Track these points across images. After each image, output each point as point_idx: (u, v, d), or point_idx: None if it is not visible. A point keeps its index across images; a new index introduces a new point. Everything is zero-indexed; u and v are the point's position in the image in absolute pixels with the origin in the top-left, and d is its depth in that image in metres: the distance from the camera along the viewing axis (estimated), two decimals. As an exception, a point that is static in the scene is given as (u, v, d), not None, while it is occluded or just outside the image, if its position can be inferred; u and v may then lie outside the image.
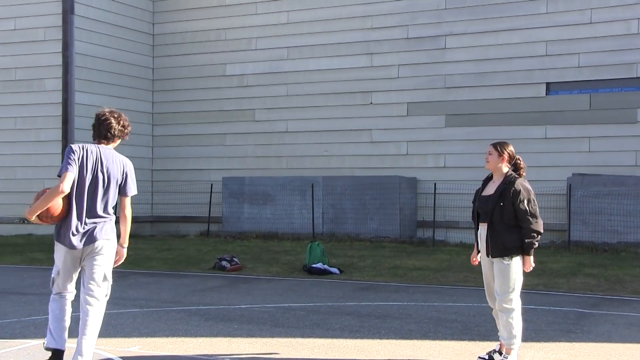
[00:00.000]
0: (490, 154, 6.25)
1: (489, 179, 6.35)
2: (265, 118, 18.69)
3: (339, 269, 12.51)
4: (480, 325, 7.98)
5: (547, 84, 16.19)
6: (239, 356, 6.54)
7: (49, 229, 17.42)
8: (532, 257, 6.14)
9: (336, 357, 6.53)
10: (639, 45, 15.42)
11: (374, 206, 16.54)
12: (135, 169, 20.41)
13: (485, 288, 6.37)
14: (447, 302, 9.48)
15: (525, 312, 8.76)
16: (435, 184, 16.13)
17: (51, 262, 14.41)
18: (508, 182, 6.11)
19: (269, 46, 18.67)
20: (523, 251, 6.08)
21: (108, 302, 9.34)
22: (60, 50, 17.57)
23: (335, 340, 7.20)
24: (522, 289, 10.37)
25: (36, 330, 7.65)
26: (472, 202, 6.45)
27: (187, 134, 19.43)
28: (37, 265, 13.56)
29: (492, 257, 6.12)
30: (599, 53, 15.77)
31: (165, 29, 19.85)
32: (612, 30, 15.69)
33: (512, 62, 16.45)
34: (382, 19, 17.58)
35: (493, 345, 6.60)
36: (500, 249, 6.07)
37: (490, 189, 6.23)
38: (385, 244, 15.61)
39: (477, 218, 6.30)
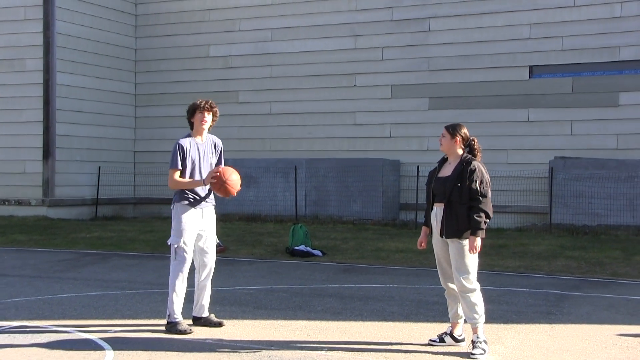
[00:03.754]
0: (444, 137, 6.29)
1: (444, 160, 6.39)
2: (249, 100, 18.63)
3: (321, 251, 12.52)
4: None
5: (531, 67, 16.23)
6: (221, 338, 6.55)
7: (31, 211, 17.35)
8: (478, 239, 6.07)
9: (318, 339, 6.57)
10: (622, 28, 15.50)
11: (357, 188, 16.57)
12: (117, 150, 20.33)
13: (438, 269, 6.40)
14: (429, 285, 9.49)
15: (506, 294, 8.90)
16: (418, 167, 16.15)
17: (32, 243, 14.36)
18: (465, 163, 6.16)
19: (253, 27, 18.58)
20: (470, 231, 6.08)
21: (90, 285, 9.39)
22: (42, 30, 17.40)
23: (317, 322, 7.24)
24: (503, 271, 10.51)
25: (17, 312, 7.64)
26: (426, 184, 6.46)
27: (170, 115, 19.32)
28: (18, 247, 13.47)
29: (447, 237, 6.13)
30: (582, 36, 15.80)
31: (148, 9, 19.68)
32: (595, 14, 15.72)
33: (496, 45, 16.48)
34: (367, 0, 17.52)
35: (470, 328, 6.68)
36: (454, 229, 6.09)
37: (446, 171, 6.27)
38: (368, 226, 15.64)
39: (432, 200, 6.33)
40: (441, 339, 6.36)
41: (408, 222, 16.03)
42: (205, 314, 7.00)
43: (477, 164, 6.18)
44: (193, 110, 6.94)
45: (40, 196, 17.45)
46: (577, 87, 15.87)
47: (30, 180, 17.56)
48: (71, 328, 6.88)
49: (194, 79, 19.14)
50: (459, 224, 6.09)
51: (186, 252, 6.78)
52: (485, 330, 6.44)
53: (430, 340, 6.41)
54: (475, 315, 6.11)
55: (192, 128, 7.03)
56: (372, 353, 6.10)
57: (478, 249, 6.11)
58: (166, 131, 19.30)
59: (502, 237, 13.84)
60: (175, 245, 6.78)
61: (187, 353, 6.02)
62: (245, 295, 8.71)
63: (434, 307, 8.00)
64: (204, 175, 6.88)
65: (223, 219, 16.84)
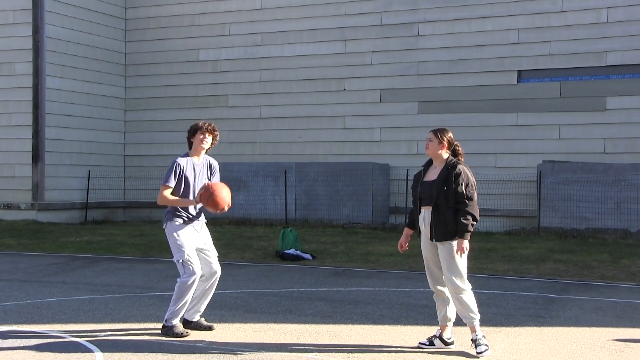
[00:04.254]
0: (431, 141, 6.36)
1: (429, 164, 6.47)
2: (239, 104, 18.68)
3: (311, 254, 12.58)
4: (451, 311, 8.10)
5: (519, 71, 16.37)
6: (211, 342, 6.58)
7: (20, 215, 17.31)
8: (465, 242, 6.19)
9: (309, 342, 6.61)
10: (609, 34, 15.68)
11: (347, 192, 16.63)
12: (106, 154, 20.32)
13: (426, 272, 6.47)
14: (419, 288, 9.56)
15: (495, 297, 8.94)
16: (407, 171, 16.22)
17: (22, 247, 14.30)
18: (450, 167, 6.26)
19: (243, 32, 18.64)
20: (457, 233, 6.19)
21: (80, 289, 9.37)
22: (31, 33, 17.38)
23: (307, 326, 7.28)
24: (492, 274, 10.57)
25: (6, 316, 7.65)
26: (412, 188, 6.55)
27: (160, 119, 19.36)
28: (7, 251, 13.46)
29: (436, 240, 6.23)
30: (569, 41, 15.98)
31: (138, 13, 19.71)
32: (582, 19, 15.89)
33: (484, 50, 16.60)
34: (356, 5, 17.63)
35: (462, 331, 6.70)
36: (443, 232, 6.19)
37: (432, 175, 6.37)
38: (358, 230, 15.71)
39: (419, 203, 6.40)
40: (430, 342, 6.41)
41: (398, 226, 16.09)
42: (197, 318, 7.04)
43: (462, 167, 6.28)
44: (194, 131, 6.94)
45: (29, 200, 17.43)
46: (565, 92, 16.00)
47: (20, 184, 17.54)
48: (61, 332, 6.90)
49: (184, 83, 19.18)
50: (447, 227, 6.19)
51: (193, 264, 6.79)
52: (475, 334, 6.52)
53: (419, 343, 6.46)
54: (472, 314, 6.21)
55: (190, 147, 7.02)
56: (362, 356, 6.13)
57: (466, 251, 6.21)
58: (156, 135, 19.34)
59: (491, 240, 13.92)
60: (181, 260, 6.78)
61: (177, 356, 6.04)
62: (235, 299, 8.74)
63: (423, 311, 8.05)
64: (195, 195, 6.90)
65: (213, 223, 16.79)
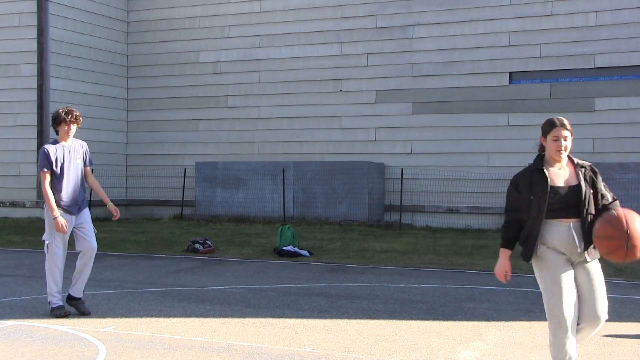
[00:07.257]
0: (567, 136, 5.01)
1: (541, 165, 5.02)
2: (238, 104, 18.94)
3: (308, 251, 12.73)
4: (445, 306, 8.15)
5: (510, 73, 16.59)
6: (210, 336, 6.67)
7: (25, 213, 17.60)
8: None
9: (306, 336, 6.69)
10: (597, 37, 15.91)
11: (343, 191, 16.88)
12: (109, 153, 20.84)
13: (568, 304, 4.84)
14: (413, 284, 9.66)
15: (486, 293, 8.92)
16: (402, 170, 16.54)
17: (27, 244, 14.46)
18: (583, 166, 5.00)
19: (242, 34, 18.87)
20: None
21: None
22: (36, 36, 17.61)
23: (304, 320, 7.35)
24: (484, 270, 10.51)
25: (12, 311, 7.74)
26: (527, 197, 4.97)
27: (161, 119, 19.61)
28: (12, 248, 13.62)
29: (594, 257, 4.93)
30: (559, 44, 16.22)
31: (140, 16, 19.97)
32: (571, 22, 16.14)
33: (477, 52, 16.85)
34: (352, 8, 17.85)
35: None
36: (589, 244, 4.88)
37: (562, 178, 4.96)
38: (354, 227, 15.85)
39: (546, 215, 4.93)
40: None
41: (392, 223, 16.34)
42: (80, 295, 7.59)
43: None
44: (58, 123, 7.46)
45: (34, 198, 17.68)
46: (555, 93, 16.28)
47: (25, 183, 17.76)
48: (65, 326, 6.98)
49: (184, 84, 19.42)
50: (591, 239, 4.86)
51: (58, 247, 7.42)
52: (467, 328, 6.59)
53: None
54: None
55: (57, 134, 7.56)
56: (357, 350, 6.22)
57: None
58: (157, 135, 19.63)
59: (483, 237, 14.13)
60: (47, 242, 7.43)
61: (179, 350, 6.16)
62: (234, 294, 8.85)
63: (417, 306, 8.16)
64: (70, 176, 7.44)
65: (212, 220, 17.11)
